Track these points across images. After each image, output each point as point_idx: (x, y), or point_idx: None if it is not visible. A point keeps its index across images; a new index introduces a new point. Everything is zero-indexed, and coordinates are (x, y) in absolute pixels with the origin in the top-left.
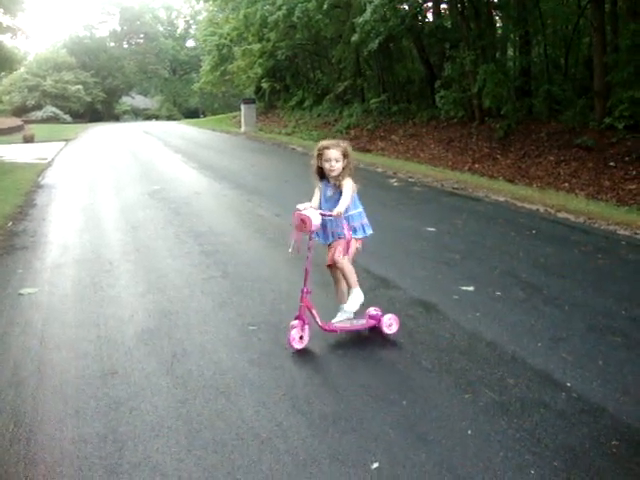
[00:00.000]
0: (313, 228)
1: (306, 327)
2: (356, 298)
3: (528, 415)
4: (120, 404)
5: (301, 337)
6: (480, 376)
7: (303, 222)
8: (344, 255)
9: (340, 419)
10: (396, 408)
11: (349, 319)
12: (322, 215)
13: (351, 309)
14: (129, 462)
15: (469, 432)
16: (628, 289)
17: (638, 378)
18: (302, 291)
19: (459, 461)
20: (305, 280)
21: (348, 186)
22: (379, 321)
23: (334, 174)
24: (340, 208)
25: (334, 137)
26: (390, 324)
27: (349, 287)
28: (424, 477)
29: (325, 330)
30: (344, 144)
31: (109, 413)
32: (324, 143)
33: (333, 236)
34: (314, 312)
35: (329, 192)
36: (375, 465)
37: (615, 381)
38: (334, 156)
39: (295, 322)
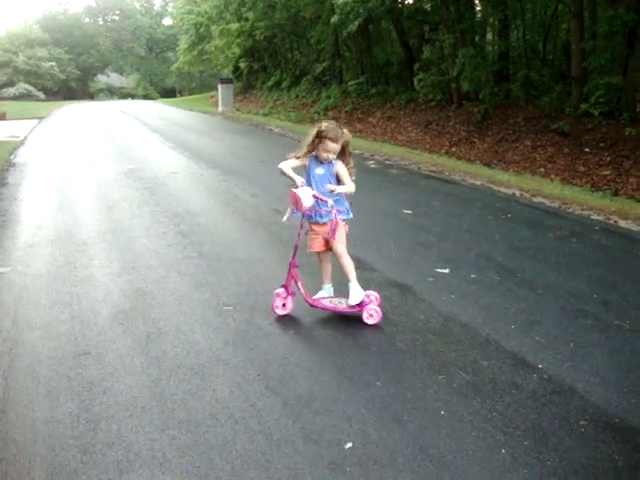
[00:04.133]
0: (303, 209)
1: (289, 297)
2: (356, 294)
3: (500, 396)
4: (94, 384)
5: (284, 305)
6: (454, 358)
7: (297, 201)
8: (332, 237)
9: (314, 399)
10: (370, 389)
11: (331, 299)
12: (315, 197)
13: (354, 303)
14: (102, 442)
15: (442, 413)
16: (600, 273)
17: (607, 360)
18: (290, 264)
19: (432, 441)
20: (294, 254)
21: (344, 171)
22: (361, 310)
23: (328, 161)
24: (342, 189)
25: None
26: (371, 315)
27: (347, 280)
28: (397, 457)
29: (309, 304)
30: (344, 137)
31: (82, 393)
32: (331, 134)
33: (321, 217)
34: (300, 284)
35: (319, 170)
36: (349, 445)
37: (585, 363)
38: (333, 149)
39: (280, 290)
